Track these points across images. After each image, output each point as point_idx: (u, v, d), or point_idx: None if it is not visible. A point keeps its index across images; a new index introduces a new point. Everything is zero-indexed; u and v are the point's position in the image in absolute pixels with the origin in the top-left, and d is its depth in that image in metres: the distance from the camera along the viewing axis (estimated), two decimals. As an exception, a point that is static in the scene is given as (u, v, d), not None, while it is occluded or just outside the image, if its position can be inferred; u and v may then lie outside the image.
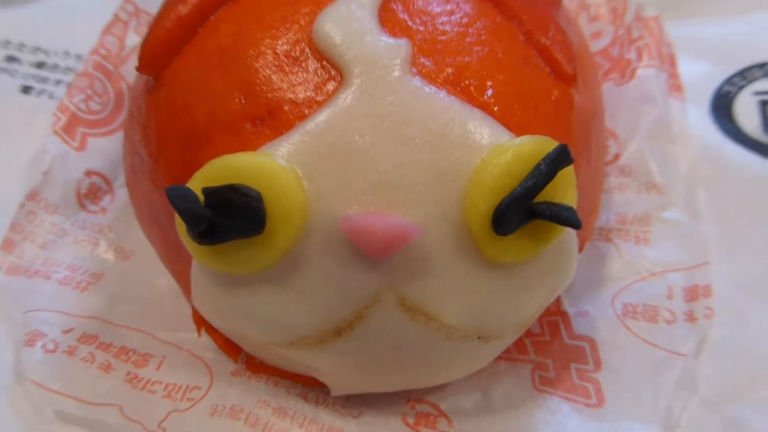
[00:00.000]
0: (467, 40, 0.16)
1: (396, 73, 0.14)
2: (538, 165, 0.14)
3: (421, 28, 0.15)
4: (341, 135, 0.14)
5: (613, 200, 0.21)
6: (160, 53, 0.16)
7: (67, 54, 0.26)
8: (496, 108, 0.15)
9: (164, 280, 0.20)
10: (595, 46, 0.24)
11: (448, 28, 0.16)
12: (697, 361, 0.18)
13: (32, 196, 0.20)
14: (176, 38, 0.16)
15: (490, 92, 0.15)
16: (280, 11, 0.16)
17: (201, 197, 0.13)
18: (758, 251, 0.19)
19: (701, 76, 0.23)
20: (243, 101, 0.15)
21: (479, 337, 0.15)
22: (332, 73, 0.15)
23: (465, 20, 0.16)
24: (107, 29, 0.23)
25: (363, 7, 0.15)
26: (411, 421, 0.17)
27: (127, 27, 0.23)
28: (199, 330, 0.18)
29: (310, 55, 0.15)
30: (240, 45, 0.15)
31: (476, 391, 0.18)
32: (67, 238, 0.21)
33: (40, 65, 0.26)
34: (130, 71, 0.23)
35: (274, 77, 0.15)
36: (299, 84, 0.15)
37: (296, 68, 0.15)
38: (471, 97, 0.15)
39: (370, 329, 0.15)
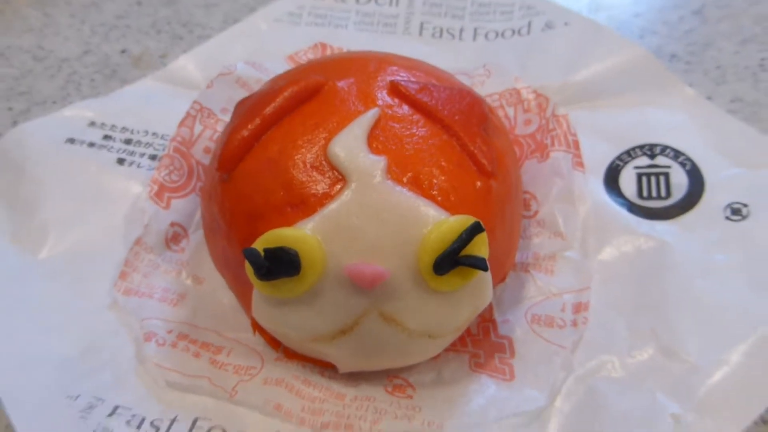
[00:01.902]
0: (421, 154, 0.25)
1: (377, 179, 0.24)
2: (461, 234, 0.23)
3: (393, 148, 0.25)
4: (345, 217, 0.24)
5: (531, 243, 0.30)
6: (231, 160, 0.26)
7: (146, 132, 0.36)
8: (439, 198, 0.24)
9: (226, 299, 0.30)
10: (527, 130, 0.33)
11: (409, 146, 0.25)
12: (574, 353, 0.27)
13: (137, 242, 0.30)
14: (241, 150, 0.26)
15: (435, 189, 0.24)
16: (307, 136, 0.25)
17: (262, 253, 0.23)
18: (622, 281, 0.29)
19: (599, 153, 0.32)
20: (285, 194, 0.25)
21: (429, 336, 0.25)
22: (339, 178, 0.24)
23: (420, 140, 0.25)
24: (182, 123, 0.33)
25: (358, 137, 0.25)
26: (390, 389, 0.27)
27: (195, 120, 0.33)
28: (254, 331, 0.28)
29: (326, 166, 0.24)
30: (282, 158, 0.25)
31: (433, 371, 0.28)
32: (159, 269, 0.30)
33: (128, 142, 0.35)
34: (197, 151, 0.33)
35: (303, 179, 0.24)
36: (319, 183, 0.24)
37: (316, 174, 0.24)
38: (424, 191, 0.24)
39: (362, 331, 0.24)
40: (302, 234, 0.23)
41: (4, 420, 0.28)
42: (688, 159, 0.31)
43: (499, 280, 0.28)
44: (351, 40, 0.39)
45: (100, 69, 0.41)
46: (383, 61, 0.29)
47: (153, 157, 0.35)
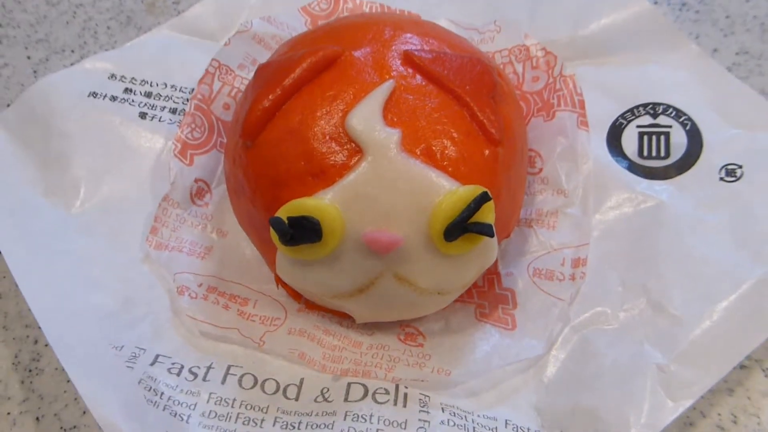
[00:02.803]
0: (433, 125, 0.26)
1: (392, 151, 0.25)
2: (469, 204, 0.25)
3: (407, 119, 0.26)
4: (362, 187, 0.25)
5: (535, 200, 0.32)
6: (254, 129, 0.27)
7: (165, 85, 0.37)
8: (449, 168, 0.26)
9: (249, 251, 0.32)
10: (534, 86, 0.34)
11: (422, 117, 0.26)
12: (571, 305, 0.30)
13: (165, 198, 0.32)
14: (263, 120, 0.27)
15: (446, 159, 0.26)
16: (326, 107, 0.27)
17: (286, 221, 0.25)
18: (618, 238, 0.31)
19: (604, 110, 0.34)
20: (306, 164, 0.26)
21: (439, 293, 0.27)
22: (356, 149, 0.26)
23: (433, 111, 0.27)
24: (201, 80, 0.34)
25: (374, 110, 0.26)
26: (402, 337, 0.30)
27: (214, 77, 0.34)
28: (277, 284, 0.30)
29: (344, 138, 0.26)
30: (302, 128, 0.27)
31: (441, 320, 0.30)
32: (186, 223, 0.33)
33: (148, 95, 0.37)
34: (217, 107, 0.34)
35: (323, 150, 0.26)
36: (337, 154, 0.26)
37: (335, 145, 0.26)
38: (435, 162, 0.26)
39: (378, 289, 0.27)
40: (323, 204, 0.25)
41: (54, 363, 0.31)
42: (689, 119, 0.33)
43: (504, 236, 0.30)
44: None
45: (115, 15, 0.41)
46: (397, 26, 0.30)
47: (173, 111, 0.36)
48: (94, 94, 0.36)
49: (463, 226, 0.25)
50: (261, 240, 0.29)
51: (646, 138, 0.33)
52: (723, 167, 0.31)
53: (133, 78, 0.37)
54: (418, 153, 0.26)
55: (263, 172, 0.27)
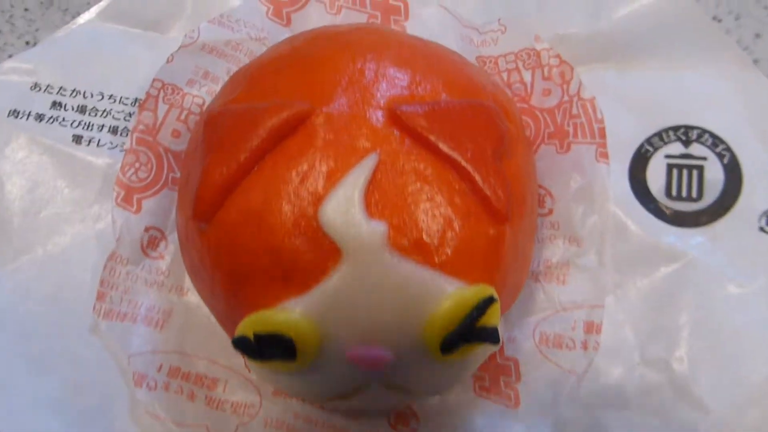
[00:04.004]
0: (426, 208, 0.21)
1: (377, 253, 0.21)
2: (470, 313, 0.21)
3: (394, 204, 0.21)
4: (342, 296, 0.21)
5: (543, 248, 0.28)
6: (207, 210, 0.22)
7: (101, 95, 0.30)
8: (447, 265, 0.21)
9: (215, 313, 0.28)
10: (546, 102, 0.29)
11: (412, 199, 0.21)
12: (582, 379, 0.26)
13: (111, 257, 0.27)
14: (217, 199, 0.22)
15: (442, 254, 0.21)
16: (293, 187, 0.21)
17: (252, 336, 0.21)
18: (639, 300, 0.27)
19: (627, 131, 0.28)
20: (271, 263, 0.21)
21: (435, 394, 0.24)
22: (333, 248, 0.21)
23: (425, 189, 0.21)
24: (142, 106, 0.28)
25: (353, 199, 0.21)
26: (392, 421, 0.27)
27: (157, 100, 0.28)
28: (248, 368, 0.27)
29: (317, 232, 0.21)
30: (265, 213, 0.21)
31: (437, 395, 0.27)
32: (139, 281, 0.28)
33: (82, 110, 0.30)
34: (164, 137, 0.29)
35: (291, 247, 0.21)
36: (311, 253, 0.21)
37: (307, 241, 0.21)
38: (429, 258, 0.21)
39: (363, 396, 0.23)
40: (296, 320, 0.21)
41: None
42: (728, 149, 0.28)
43: (509, 306, 0.26)
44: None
45: (34, -7, 0.34)
46: (380, 54, 0.24)
47: (114, 130, 0.30)
48: (15, 113, 0.30)
49: (463, 338, 0.21)
50: (224, 323, 0.25)
51: (675, 172, 0.28)
52: (764, 213, 0.27)
53: (62, 88, 0.31)
54: (409, 249, 0.21)
55: (221, 262, 0.23)
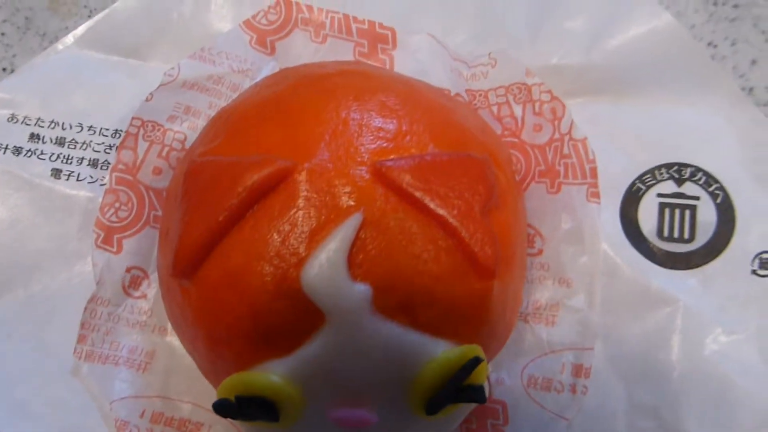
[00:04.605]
0: (411, 267, 0.21)
1: (361, 316, 0.20)
2: (457, 374, 0.21)
3: (378, 265, 0.21)
4: (325, 359, 0.20)
5: (533, 289, 0.27)
6: (187, 268, 0.22)
7: (80, 126, 0.30)
8: (432, 326, 0.21)
9: (199, 353, 0.28)
10: (537, 138, 0.28)
11: (397, 260, 0.21)
12: (572, 425, 0.26)
13: (92, 299, 0.27)
14: (197, 258, 0.22)
15: (428, 315, 0.21)
16: (275, 248, 0.21)
17: (233, 398, 0.20)
18: (628, 344, 0.26)
19: (619, 168, 0.28)
20: (253, 324, 0.21)
21: (421, 447, 0.24)
22: (316, 312, 0.20)
23: (410, 248, 0.21)
24: (122, 144, 0.27)
25: (336, 262, 0.20)
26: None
27: (137, 138, 0.27)
28: (233, 417, 0.26)
29: (299, 295, 0.20)
30: (246, 275, 0.21)
31: (423, 438, 0.27)
32: (121, 322, 0.27)
33: (60, 142, 0.29)
34: (145, 174, 0.28)
35: (274, 310, 0.21)
36: (293, 316, 0.21)
37: (289, 305, 0.20)
38: (415, 320, 0.21)
39: (350, 451, 0.23)
40: (278, 383, 0.20)
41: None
42: (721, 188, 0.27)
43: (498, 351, 0.26)
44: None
45: (10, 16, 0.32)
46: (364, 107, 0.23)
47: (93, 164, 0.29)
48: (-9, 146, 0.29)
49: (448, 399, 0.21)
50: (205, 374, 0.24)
51: (668, 212, 0.27)
52: (757, 256, 0.26)
53: (39, 119, 0.30)
54: (393, 311, 0.21)
55: (202, 321, 0.22)
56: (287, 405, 0.20)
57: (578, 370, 0.26)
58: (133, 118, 0.27)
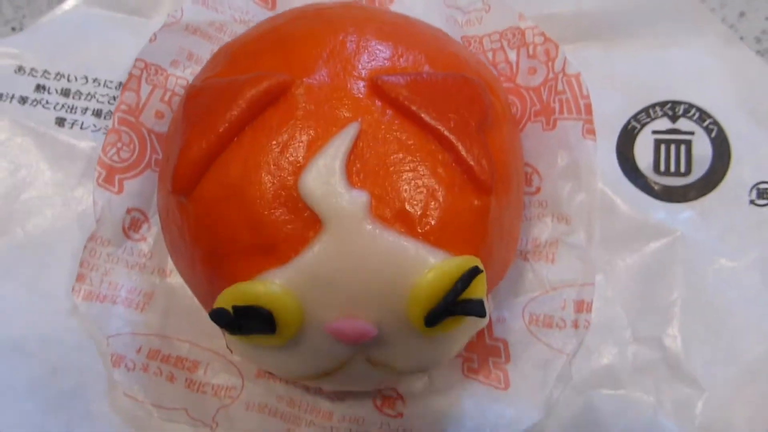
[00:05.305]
0: (409, 178, 0.21)
1: (359, 222, 0.20)
2: (455, 284, 0.20)
3: (376, 174, 0.21)
4: (323, 267, 0.20)
5: (531, 227, 0.27)
6: (186, 183, 0.22)
7: (86, 79, 0.30)
8: (431, 235, 0.21)
9: (198, 296, 0.27)
10: (531, 81, 0.28)
11: (394, 169, 0.21)
12: (573, 360, 0.26)
13: (91, 238, 0.27)
14: (195, 172, 0.22)
15: (426, 224, 0.21)
16: (273, 158, 0.21)
17: (231, 310, 0.20)
18: (629, 277, 0.26)
19: (613, 108, 0.28)
20: (251, 235, 0.21)
21: (421, 371, 0.23)
22: (314, 218, 0.21)
23: (408, 159, 0.21)
24: (125, 86, 0.28)
25: (334, 168, 0.20)
26: (379, 403, 0.26)
27: (140, 80, 0.28)
28: (230, 350, 0.26)
29: (298, 203, 0.21)
30: (245, 185, 0.21)
31: (424, 377, 0.27)
32: (120, 263, 0.27)
33: (66, 93, 0.30)
34: (148, 117, 0.28)
35: (271, 219, 0.21)
36: (290, 225, 0.21)
37: (287, 213, 0.21)
38: (412, 228, 0.21)
39: (347, 373, 0.22)
40: (276, 292, 0.20)
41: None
42: (715, 123, 0.27)
43: (497, 282, 0.26)
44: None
45: (19, -19, 0.33)
46: (362, 28, 0.23)
47: (97, 113, 0.30)
48: (-3, 96, 0.30)
49: (447, 310, 0.21)
50: (205, 300, 0.24)
51: (663, 147, 0.27)
52: (754, 187, 0.26)
53: (45, 71, 0.30)
54: (391, 219, 0.21)
55: (201, 237, 0.22)
56: (285, 315, 0.20)
57: (580, 306, 0.26)
58: (136, 60, 0.28)
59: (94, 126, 0.29)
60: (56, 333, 0.26)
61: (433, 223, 0.21)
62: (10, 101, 0.30)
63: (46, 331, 0.26)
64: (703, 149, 0.27)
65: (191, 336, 0.27)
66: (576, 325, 0.26)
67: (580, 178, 0.27)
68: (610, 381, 0.25)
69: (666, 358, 0.25)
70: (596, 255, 0.27)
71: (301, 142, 0.21)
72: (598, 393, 0.25)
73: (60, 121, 0.30)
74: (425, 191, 0.21)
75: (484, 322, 0.23)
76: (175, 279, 0.28)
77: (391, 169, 0.21)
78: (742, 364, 0.24)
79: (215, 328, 0.26)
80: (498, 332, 0.27)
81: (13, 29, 0.33)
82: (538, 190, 0.28)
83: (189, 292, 0.27)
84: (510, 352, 0.26)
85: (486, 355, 0.26)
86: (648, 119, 0.28)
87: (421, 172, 0.21)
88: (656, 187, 0.27)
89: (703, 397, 0.24)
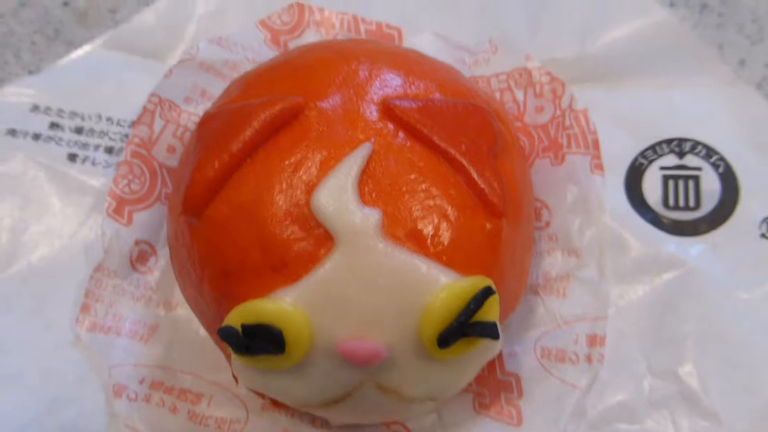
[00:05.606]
0: (421, 199, 0.21)
1: (371, 240, 0.20)
2: (469, 304, 0.20)
3: (388, 194, 0.21)
4: (334, 286, 0.20)
5: (542, 261, 0.27)
6: (197, 203, 0.22)
7: (99, 117, 0.31)
8: (443, 256, 0.21)
9: (203, 329, 0.27)
10: (539, 119, 0.29)
11: (407, 189, 0.21)
12: (587, 394, 0.25)
13: (98, 269, 0.27)
14: (208, 193, 0.22)
15: (438, 243, 0.21)
16: (285, 178, 0.21)
17: (239, 329, 0.20)
18: (642, 311, 0.26)
19: (620, 146, 0.28)
20: (262, 254, 0.21)
21: (431, 400, 0.23)
22: (326, 235, 0.21)
23: (420, 180, 0.21)
24: (138, 120, 0.28)
25: (346, 186, 0.20)
26: (387, 439, 0.25)
27: (154, 115, 0.28)
28: (235, 381, 0.25)
29: (309, 220, 0.21)
30: (257, 206, 0.21)
31: (433, 412, 0.26)
32: (125, 295, 0.27)
33: (79, 131, 0.31)
34: (160, 151, 0.28)
35: (283, 237, 0.21)
36: (302, 242, 0.21)
37: (299, 230, 0.21)
38: (425, 248, 0.21)
39: (356, 400, 0.22)
40: (286, 310, 0.20)
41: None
42: (722, 159, 0.28)
43: (509, 313, 0.25)
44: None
45: (40, 28, 0.35)
46: (374, 60, 0.24)
47: (109, 150, 0.30)
48: (12, 132, 0.30)
49: (461, 331, 0.20)
50: (211, 329, 0.24)
51: (671, 183, 0.28)
52: (764, 220, 0.26)
53: (60, 109, 0.31)
54: (403, 238, 0.21)
55: (211, 257, 0.22)
56: (295, 334, 0.20)
57: (593, 340, 0.26)
58: (151, 95, 0.28)
59: (106, 162, 0.30)
60: (57, 365, 0.26)
61: (445, 243, 0.21)
62: (24, 138, 0.30)
63: (46, 363, 0.26)
64: (711, 184, 0.27)
65: (195, 368, 0.26)
66: (589, 360, 0.25)
67: (589, 212, 0.27)
68: (626, 415, 0.24)
69: (682, 391, 0.24)
70: (608, 288, 0.26)
71: (314, 162, 0.21)
72: (614, 428, 0.24)
73: (72, 157, 0.30)
74: (437, 212, 0.21)
75: (497, 347, 0.22)
76: (181, 312, 0.27)
77: (404, 189, 0.21)
78: (762, 396, 0.24)
79: (220, 361, 0.26)
80: (510, 367, 0.26)
81: (30, 72, 0.34)
82: (548, 224, 0.28)
83: (194, 324, 0.27)
84: (522, 387, 0.26)
85: (498, 390, 0.26)
86: (655, 156, 0.28)
87: (433, 193, 0.21)
88: (666, 222, 0.27)
89: (722, 430, 0.23)
